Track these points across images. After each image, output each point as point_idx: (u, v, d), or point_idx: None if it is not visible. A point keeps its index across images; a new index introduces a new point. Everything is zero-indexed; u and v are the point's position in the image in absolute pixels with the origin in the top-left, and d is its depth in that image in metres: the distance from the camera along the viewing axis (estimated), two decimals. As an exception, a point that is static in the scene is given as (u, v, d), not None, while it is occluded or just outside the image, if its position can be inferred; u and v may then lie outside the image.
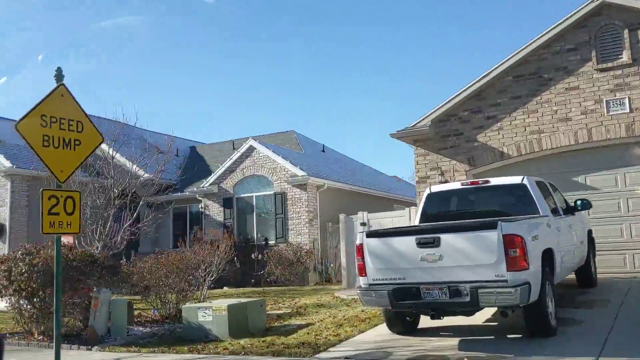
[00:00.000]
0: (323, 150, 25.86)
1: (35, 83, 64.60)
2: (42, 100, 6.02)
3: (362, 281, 7.09)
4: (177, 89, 68.58)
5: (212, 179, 20.27)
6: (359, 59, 66.80)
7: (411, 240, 6.67)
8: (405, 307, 6.83)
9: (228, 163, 20.11)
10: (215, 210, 20.13)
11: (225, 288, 17.02)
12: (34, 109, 5.93)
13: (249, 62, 66.59)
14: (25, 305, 9.35)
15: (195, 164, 23.08)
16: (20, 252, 9.51)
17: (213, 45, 64.83)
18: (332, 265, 18.30)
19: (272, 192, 19.10)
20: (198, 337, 8.56)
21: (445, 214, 8.31)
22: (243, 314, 8.71)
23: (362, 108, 69.83)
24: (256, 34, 65.22)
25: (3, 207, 19.60)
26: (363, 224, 14.83)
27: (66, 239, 13.48)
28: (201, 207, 20.50)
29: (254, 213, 19.49)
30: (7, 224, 19.44)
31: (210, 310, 8.56)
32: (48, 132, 6.00)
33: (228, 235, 13.82)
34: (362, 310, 9.69)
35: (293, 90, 68.89)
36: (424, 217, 8.49)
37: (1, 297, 9.55)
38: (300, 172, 18.39)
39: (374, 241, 6.99)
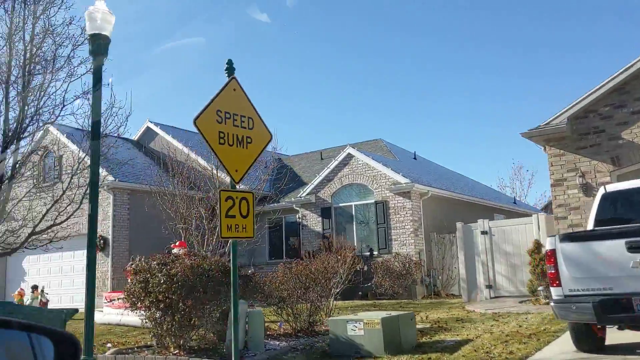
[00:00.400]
0: (415, 158, 25.00)
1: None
2: (217, 94, 5.60)
3: (554, 292, 6.24)
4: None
5: (309, 188, 19.84)
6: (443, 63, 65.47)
7: (619, 244, 5.79)
8: (614, 321, 5.94)
9: (325, 172, 19.61)
10: (313, 221, 19.64)
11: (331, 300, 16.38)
12: (209, 104, 5.51)
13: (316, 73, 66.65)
14: (161, 318, 9.01)
15: (284, 175, 22.74)
16: (155, 262, 9.22)
17: (280, 66, 65.33)
18: (440, 277, 17.37)
19: (372, 201, 18.41)
20: (347, 352, 7.93)
21: (631, 217, 7.31)
22: (396, 327, 8.01)
23: (441, 112, 68.13)
24: (320, 48, 65.25)
25: (105, 220, 19.88)
26: (484, 233, 13.91)
27: (179, 249, 13.29)
28: (298, 218, 20.07)
29: (354, 223, 18.84)
30: (109, 237, 19.70)
31: (361, 324, 7.92)
32: (223, 128, 5.56)
33: (351, 247, 13.13)
34: (520, 325, 8.77)
35: (374, 99, 68.01)
36: (600, 222, 7.52)
37: (135, 309, 9.28)
38: (403, 180, 17.62)
39: (570, 246, 6.15)
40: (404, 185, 17.47)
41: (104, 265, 19.77)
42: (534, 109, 61.28)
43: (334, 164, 19.50)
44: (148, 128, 25.10)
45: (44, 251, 9.15)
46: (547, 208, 35.43)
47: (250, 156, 5.87)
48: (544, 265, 11.87)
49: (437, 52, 63.54)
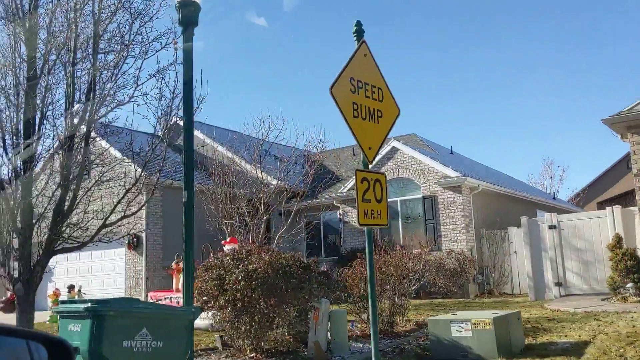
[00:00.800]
0: (451, 153, 24.19)
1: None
2: (349, 60, 4.89)
3: None
4: (263, 102, 68.85)
5: (350, 184, 19.05)
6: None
7: None
8: None
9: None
10: (355, 217, 18.82)
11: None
12: (343, 70, 4.80)
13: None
14: (237, 319, 8.26)
15: (326, 171, 21.95)
16: (228, 257, 8.50)
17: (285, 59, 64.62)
18: (492, 275, 16.58)
19: (419, 196, 17.61)
20: (451, 355, 7.20)
21: None
22: (505, 328, 7.27)
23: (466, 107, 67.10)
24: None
25: (138, 217, 19.14)
26: (552, 227, 13.14)
27: (231, 245, 12.54)
28: (339, 214, 19.31)
29: (399, 219, 18.04)
30: (143, 235, 18.96)
31: (469, 324, 7.17)
32: (356, 99, 4.85)
33: (428, 243, 12.36)
34: (632, 325, 8.01)
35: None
36: None
37: (208, 310, 8.52)
38: (453, 173, 16.83)
39: None
40: (455, 179, 16.67)
41: (138, 264, 19.04)
42: (537, 108, 60.73)
43: (376, 158, 18.69)
44: (175, 123, 24.32)
45: (121, 245, 8.46)
46: (577, 203, 34.67)
47: (382, 132, 5.16)
48: (627, 261, 11.10)
49: (436, 51, 62.74)
